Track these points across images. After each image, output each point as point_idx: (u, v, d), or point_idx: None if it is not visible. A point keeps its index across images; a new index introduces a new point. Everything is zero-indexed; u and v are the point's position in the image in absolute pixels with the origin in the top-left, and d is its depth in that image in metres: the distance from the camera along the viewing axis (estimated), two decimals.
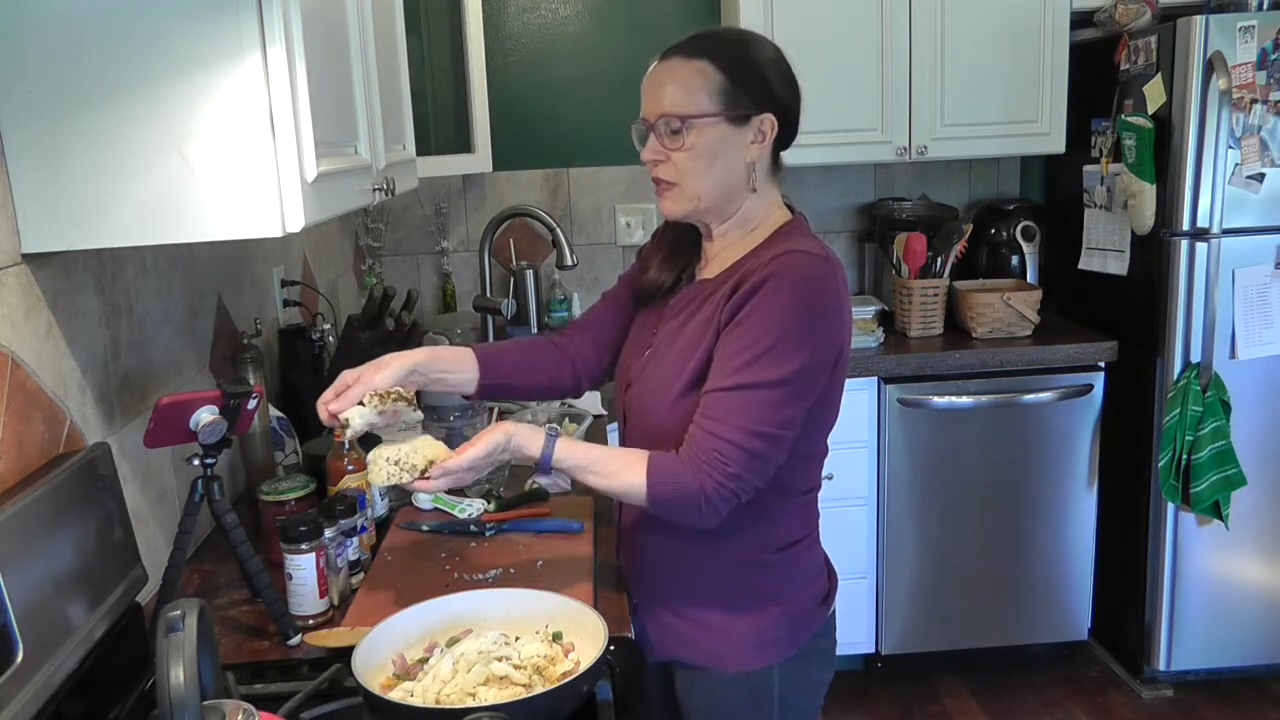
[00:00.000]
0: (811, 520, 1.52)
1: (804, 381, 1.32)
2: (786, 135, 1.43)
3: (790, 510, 1.47)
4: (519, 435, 1.35)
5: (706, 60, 1.36)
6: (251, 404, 1.41)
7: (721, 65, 1.36)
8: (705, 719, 1.51)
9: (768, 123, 1.38)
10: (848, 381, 2.91)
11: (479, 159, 3.08)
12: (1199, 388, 2.74)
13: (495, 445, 1.34)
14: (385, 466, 1.34)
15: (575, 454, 1.36)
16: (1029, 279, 3.24)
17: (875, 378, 2.90)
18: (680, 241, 1.53)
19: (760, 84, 1.37)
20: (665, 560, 1.48)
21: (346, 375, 1.42)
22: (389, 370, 1.41)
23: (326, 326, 2.36)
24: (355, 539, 1.59)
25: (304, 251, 2.58)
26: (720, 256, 1.45)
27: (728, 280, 1.39)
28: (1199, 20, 2.62)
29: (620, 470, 1.34)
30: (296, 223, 1.22)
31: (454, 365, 1.51)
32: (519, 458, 1.37)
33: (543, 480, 1.89)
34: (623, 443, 1.56)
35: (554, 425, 1.41)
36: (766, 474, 1.33)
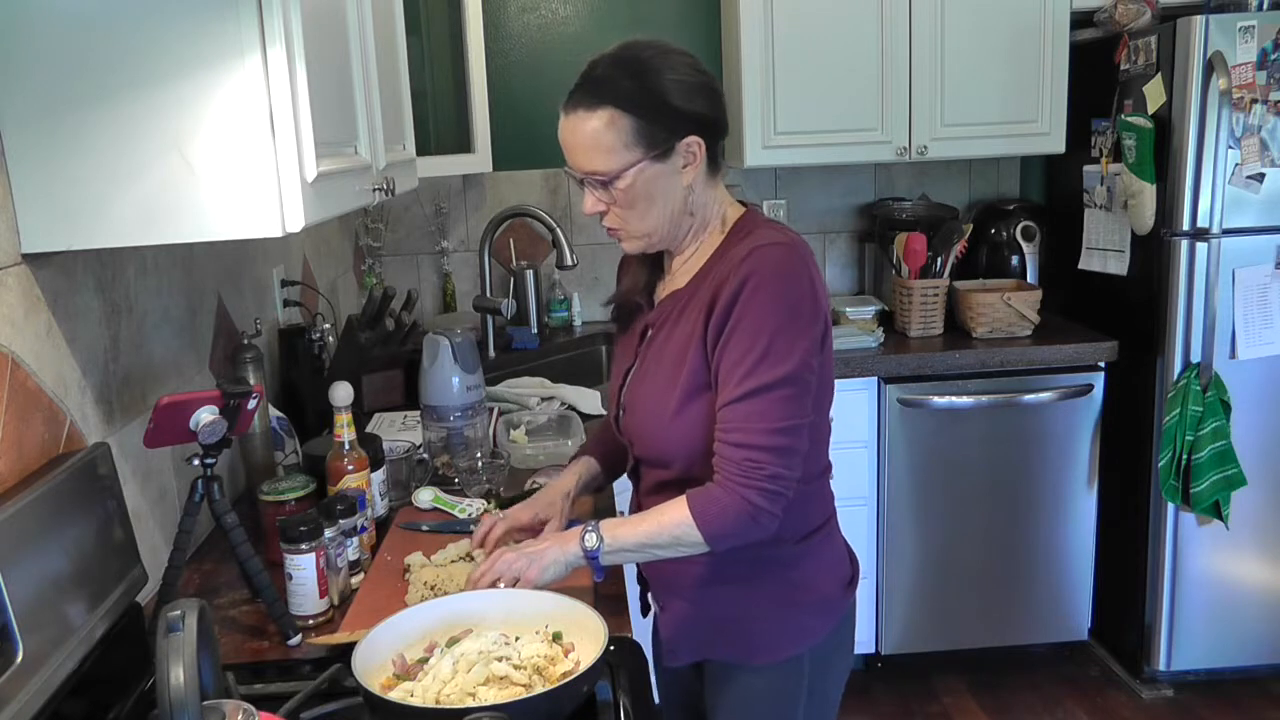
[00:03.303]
0: (828, 505, 1.53)
1: (805, 369, 1.33)
2: (717, 135, 1.40)
3: (806, 497, 1.46)
4: (556, 553, 1.39)
5: (610, 107, 1.31)
6: (251, 404, 1.41)
7: (627, 107, 1.31)
8: (734, 715, 1.51)
9: (694, 144, 1.35)
10: (848, 381, 2.96)
11: (479, 159, 3.08)
12: (1199, 388, 2.74)
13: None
14: (421, 589, 1.51)
15: (620, 533, 1.37)
16: (1029, 279, 3.25)
17: (875, 378, 2.90)
18: (646, 257, 1.53)
19: (671, 112, 1.33)
20: (689, 561, 1.46)
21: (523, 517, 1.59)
22: (556, 511, 1.59)
23: (326, 326, 2.36)
24: (355, 539, 1.59)
25: (304, 251, 2.58)
26: (685, 267, 1.46)
27: (700, 287, 1.40)
28: (1199, 20, 2.62)
29: (668, 523, 1.34)
30: (296, 223, 1.22)
31: (591, 477, 1.67)
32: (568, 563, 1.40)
33: (542, 481, 1.88)
34: (633, 471, 1.56)
35: (590, 523, 1.41)
36: (798, 465, 1.35)
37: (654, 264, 1.53)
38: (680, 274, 1.47)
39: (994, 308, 3.01)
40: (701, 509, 1.32)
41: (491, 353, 3.06)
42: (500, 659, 1.21)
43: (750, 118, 3.01)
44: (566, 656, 1.25)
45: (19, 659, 1.05)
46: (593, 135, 1.32)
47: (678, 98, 1.33)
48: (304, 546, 1.45)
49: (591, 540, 1.36)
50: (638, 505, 1.54)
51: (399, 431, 2.23)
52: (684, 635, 1.52)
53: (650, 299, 1.53)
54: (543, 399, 2.53)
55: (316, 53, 1.30)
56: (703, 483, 1.36)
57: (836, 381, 2.87)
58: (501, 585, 1.37)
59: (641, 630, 1.53)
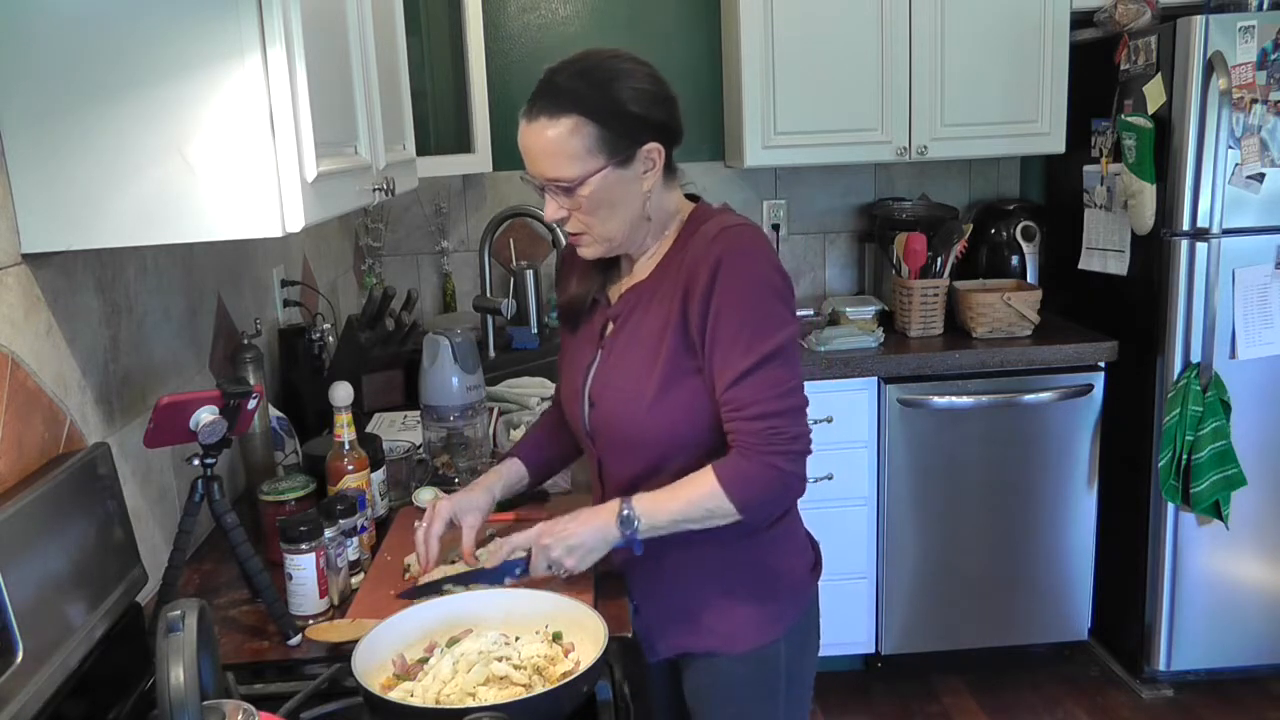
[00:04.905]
0: None
1: (793, 332, 1.40)
2: (674, 142, 1.43)
3: None
4: (586, 525, 1.40)
5: (574, 115, 1.33)
6: (251, 404, 1.41)
7: (591, 115, 1.33)
8: (716, 705, 1.53)
9: (653, 151, 1.39)
10: (848, 381, 2.95)
11: (479, 159, 3.07)
12: (1199, 388, 2.74)
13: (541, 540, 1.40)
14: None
15: (653, 511, 1.38)
16: (1029, 279, 3.25)
17: (875, 378, 2.90)
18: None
19: (634, 120, 1.36)
20: (664, 553, 1.48)
21: (444, 511, 1.53)
22: (480, 514, 1.56)
23: (326, 326, 2.36)
24: (355, 539, 1.59)
25: (304, 251, 2.58)
26: (644, 262, 1.49)
27: (665, 276, 1.43)
28: (1199, 20, 2.63)
29: (698, 498, 1.37)
30: (296, 223, 1.22)
31: (516, 479, 1.65)
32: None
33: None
34: (595, 465, 1.56)
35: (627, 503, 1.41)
36: (807, 419, 1.40)
37: (607, 262, 1.54)
38: (640, 269, 1.50)
39: (994, 308, 3.01)
40: (730, 480, 1.35)
41: (491, 353, 3.05)
42: (500, 659, 1.21)
43: (750, 118, 3.01)
44: (566, 656, 1.26)
45: (19, 659, 1.05)
46: (556, 142, 1.34)
47: (638, 106, 1.36)
48: (304, 546, 1.45)
49: (630, 523, 1.38)
50: None
51: (399, 431, 2.23)
52: (663, 630, 1.54)
53: (606, 296, 1.54)
54: (543, 399, 2.53)
55: (316, 53, 1.30)
56: (677, 474, 1.39)
57: (835, 381, 2.88)
58: (552, 571, 1.40)
59: None
